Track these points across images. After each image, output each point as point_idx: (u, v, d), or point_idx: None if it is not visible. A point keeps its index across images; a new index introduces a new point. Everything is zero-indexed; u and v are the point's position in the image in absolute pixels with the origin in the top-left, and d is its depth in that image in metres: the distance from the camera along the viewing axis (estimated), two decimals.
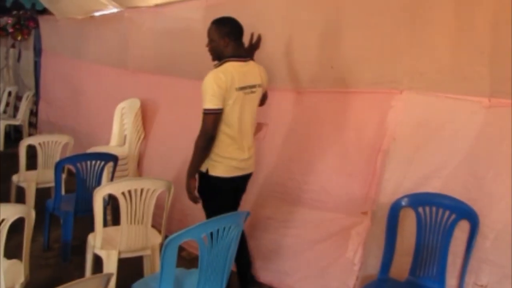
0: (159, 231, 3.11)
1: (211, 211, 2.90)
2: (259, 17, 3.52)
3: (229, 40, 2.82)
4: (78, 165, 3.55)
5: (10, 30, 7.79)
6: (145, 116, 4.87)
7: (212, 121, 2.70)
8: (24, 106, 7.73)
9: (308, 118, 3.29)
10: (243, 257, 3.00)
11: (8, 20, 8.00)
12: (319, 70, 3.21)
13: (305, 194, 3.16)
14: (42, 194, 4.55)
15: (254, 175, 3.45)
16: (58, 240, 4.07)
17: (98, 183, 3.66)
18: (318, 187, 3.09)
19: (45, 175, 4.55)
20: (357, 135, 2.98)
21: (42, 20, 7.17)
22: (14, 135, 8.10)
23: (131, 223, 2.90)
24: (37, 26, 7.29)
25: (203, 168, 2.84)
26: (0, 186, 4.71)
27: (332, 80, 3.14)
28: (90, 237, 3.07)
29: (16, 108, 8.15)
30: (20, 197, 4.61)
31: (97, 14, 5.86)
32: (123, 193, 2.76)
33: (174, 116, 4.45)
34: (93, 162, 3.58)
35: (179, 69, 4.41)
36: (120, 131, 4.96)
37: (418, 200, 2.67)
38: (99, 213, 2.84)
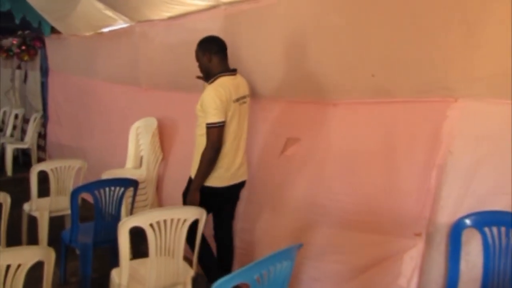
0: (190, 263, 2.81)
1: None
2: (285, 25, 3.24)
3: (210, 55, 3.03)
4: (96, 192, 3.26)
5: (16, 51, 7.55)
6: (162, 135, 4.58)
7: (217, 133, 2.85)
8: (32, 129, 7.47)
9: (348, 132, 2.98)
10: (227, 263, 3.19)
11: (13, 41, 7.77)
12: (358, 79, 2.91)
13: (349, 215, 2.85)
14: (54, 222, 4.28)
15: (289, 196, 3.19)
16: (75, 273, 3.79)
17: (118, 211, 3.38)
18: (365, 208, 2.78)
19: (58, 203, 4.28)
20: (407, 149, 2.67)
21: (48, 39, 6.92)
22: (22, 159, 7.84)
23: (160, 255, 2.60)
24: (43, 45, 7.04)
25: None
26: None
27: (374, 89, 2.84)
28: (114, 273, 2.76)
29: (23, 131, 7.89)
30: (32, 227, 4.33)
31: (105, 30, 5.61)
32: (151, 225, 2.47)
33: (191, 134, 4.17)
34: (112, 188, 3.30)
35: (198, 85, 4.13)
36: (136, 152, 4.68)
37: (484, 220, 2.37)
38: (125, 248, 2.53)
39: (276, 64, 3.37)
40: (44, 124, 7.37)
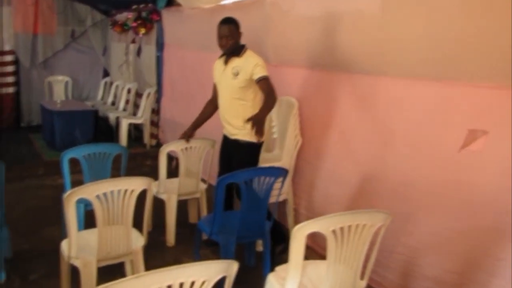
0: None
1: None
2: None
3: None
4: (245, 183, 2.91)
5: (132, 24, 7.43)
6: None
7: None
8: (146, 104, 7.38)
9: None
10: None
11: (128, 15, 7.69)
12: None
13: None
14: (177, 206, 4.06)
15: (466, 198, 2.71)
16: None
17: (264, 204, 3.04)
18: None
19: (185, 186, 4.04)
20: None
21: (165, 13, 6.73)
22: (134, 134, 7.82)
23: (338, 263, 2.20)
24: (160, 19, 6.85)
25: (254, 139, 3.37)
26: None
27: None
28: (273, 279, 2.41)
29: (136, 106, 7.84)
30: (157, 210, 4.13)
31: (227, 2, 5.27)
32: (333, 231, 2.06)
33: (337, 119, 3.72)
34: (262, 178, 2.95)
35: (343, 63, 3.66)
36: (267, 134, 4.30)
37: None
38: (299, 255, 2.11)
39: (448, 41, 2.80)
40: (157, 100, 7.23)
